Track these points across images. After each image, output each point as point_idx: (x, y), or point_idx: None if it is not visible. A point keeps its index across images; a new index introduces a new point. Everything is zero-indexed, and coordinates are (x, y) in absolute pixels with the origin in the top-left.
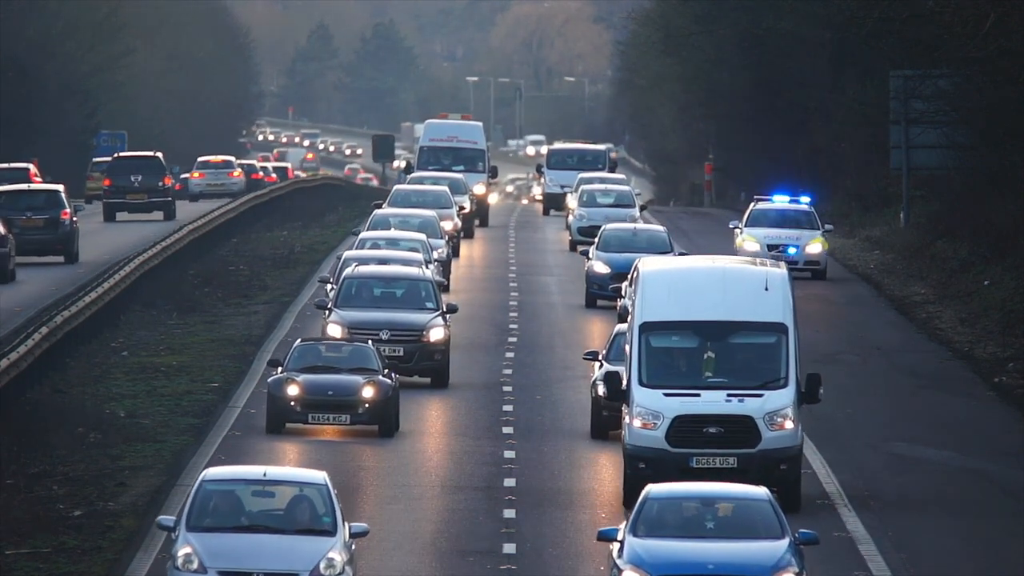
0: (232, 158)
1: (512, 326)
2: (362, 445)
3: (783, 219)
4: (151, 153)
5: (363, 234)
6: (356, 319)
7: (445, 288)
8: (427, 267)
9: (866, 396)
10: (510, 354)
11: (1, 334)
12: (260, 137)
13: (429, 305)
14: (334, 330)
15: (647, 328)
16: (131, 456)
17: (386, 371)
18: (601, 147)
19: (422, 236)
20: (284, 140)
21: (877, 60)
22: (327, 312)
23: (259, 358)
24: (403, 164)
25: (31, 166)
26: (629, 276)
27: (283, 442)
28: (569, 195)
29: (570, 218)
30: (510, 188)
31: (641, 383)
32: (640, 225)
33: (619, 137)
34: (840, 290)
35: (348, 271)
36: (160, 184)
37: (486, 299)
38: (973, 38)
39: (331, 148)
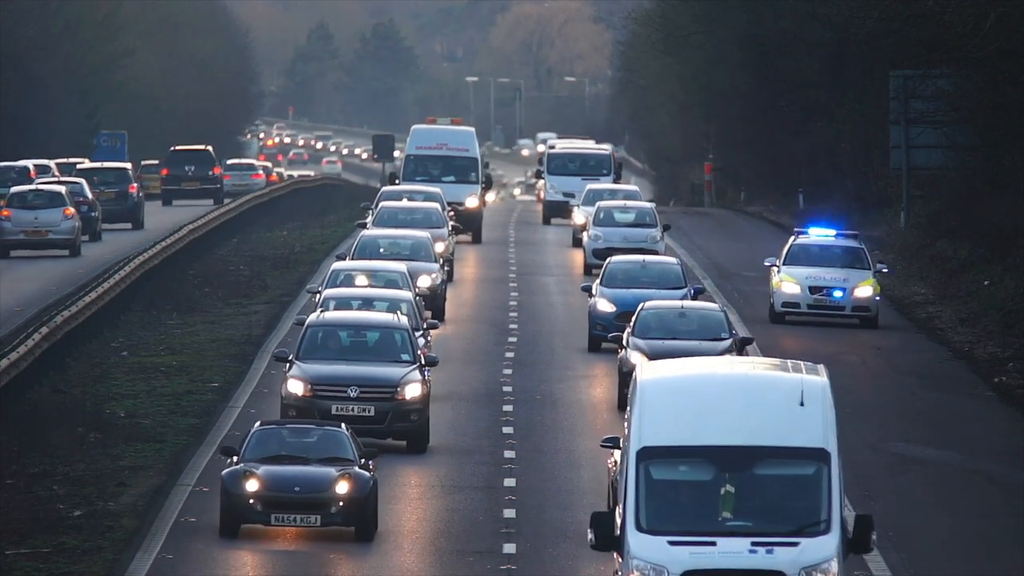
0: (255, 161)
1: (512, 326)
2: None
3: (828, 256)
4: (202, 147)
5: (335, 265)
6: (320, 374)
7: (438, 324)
8: (401, 313)
9: (866, 396)
10: (510, 354)
11: (1, 334)
12: (276, 139)
13: (404, 357)
14: (295, 386)
15: (647, 455)
16: (131, 456)
17: (363, 460)
18: (604, 149)
19: (402, 268)
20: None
21: (877, 60)
22: (288, 365)
23: (259, 358)
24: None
25: (85, 160)
26: (633, 319)
27: (238, 549)
28: (576, 209)
29: (584, 238)
30: (516, 191)
31: (639, 527)
32: (650, 257)
33: (619, 137)
34: None
35: (312, 317)
36: (210, 173)
37: (486, 299)
38: (973, 38)
39: (344, 150)
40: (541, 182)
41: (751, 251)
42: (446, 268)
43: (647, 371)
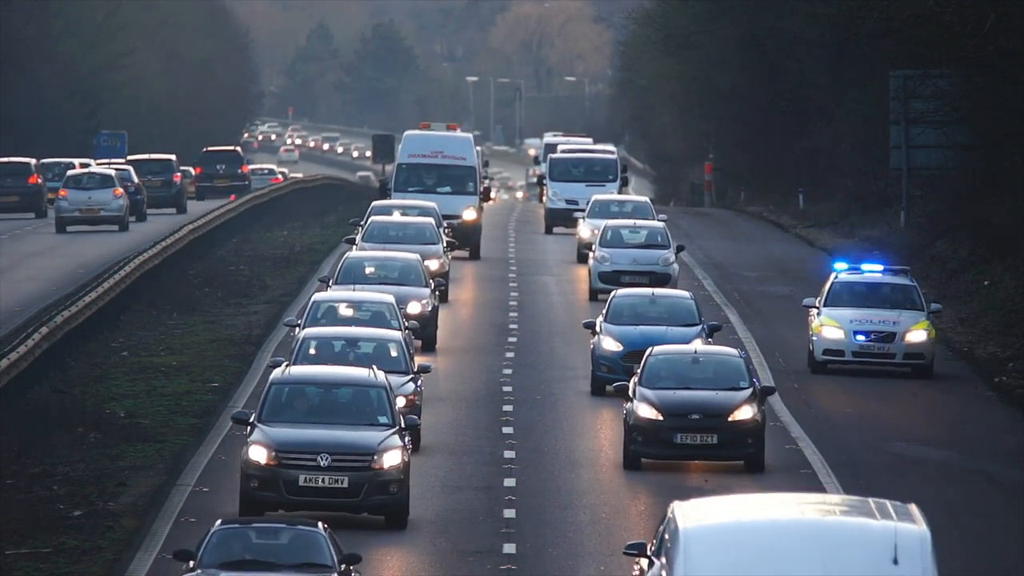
0: (274, 166)
1: (512, 326)
2: None
3: (875, 296)
4: (232, 148)
5: (315, 296)
6: (286, 439)
7: (430, 368)
8: (378, 369)
9: (866, 396)
10: (510, 354)
11: (1, 334)
12: (288, 141)
13: (382, 419)
14: (257, 453)
15: None
16: (131, 456)
17: (343, 565)
18: (611, 153)
19: (389, 298)
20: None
21: (877, 60)
22: (248, 428)
23: (259, 358)
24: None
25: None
26: (640, 366)
27: None
28: (581, 221)
29: (590, 259)
30: (519, 195)
31: None
32: (660, 291)
33: (619, 137)
34: None
35: (275, 372)
36: (239, 171)
37: (486, 299)
38: (973, 38)
39: (355, 153)
40: (543, 187)
41: (751, 251)
42: (438, 292)
43: (690, 514)
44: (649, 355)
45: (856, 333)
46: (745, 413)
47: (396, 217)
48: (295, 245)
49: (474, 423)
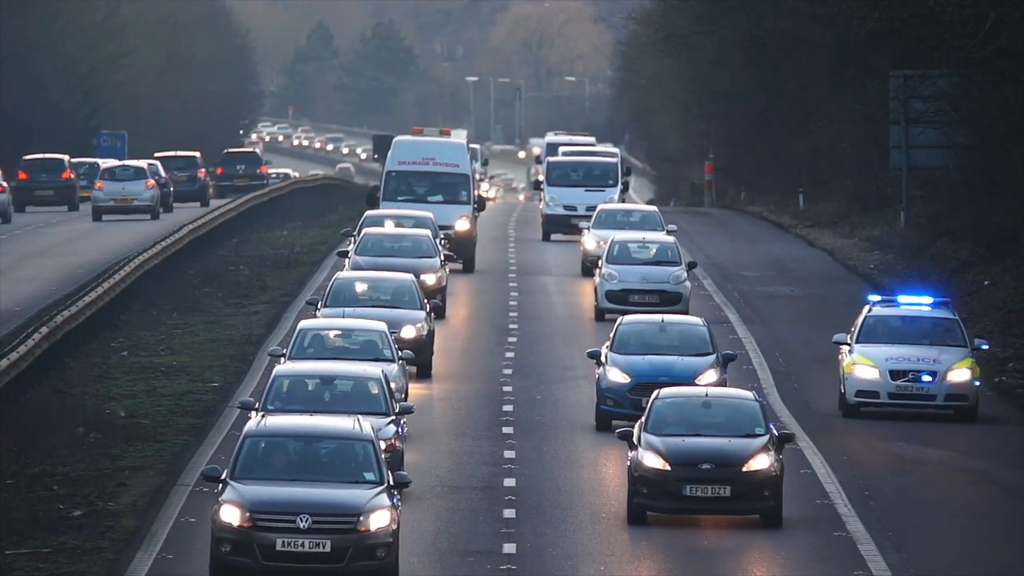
0: (289, 170)
1: (512, 326)
2: None
3: (913, 331)
4: (251, 149)
5: (302, 324)
6: (262, 498)
7: (412, 409)
8: (361, 421)
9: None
10: (510, 354)
11: (1, 334)
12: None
13: (369, 476)
14: (230, 514)
15: None
16: (131, 456)
17: None
18: (612, 156)
19: (382, 326)
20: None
21: (877, 60)
22: (220, 486)
23: (259, 358)
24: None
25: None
26: (647, 410)
27: None
28: (586, 231)
29: (596, 276)
30: (521, 197)
31: None
32: (670, 317)
33: (619, 137)
34: (839, 290)
35: (250, 424)
36: (257, 171)
37: (486, 300)
38: (973, 38)
39: (362, 154)
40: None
41: (751, 251)
42: (432, 314)
43: None
44: (655, 398)
45: (891, 373)
46: (761, 462)
47: (391, 229)
48: (295, 245)
49: (474, 423)
